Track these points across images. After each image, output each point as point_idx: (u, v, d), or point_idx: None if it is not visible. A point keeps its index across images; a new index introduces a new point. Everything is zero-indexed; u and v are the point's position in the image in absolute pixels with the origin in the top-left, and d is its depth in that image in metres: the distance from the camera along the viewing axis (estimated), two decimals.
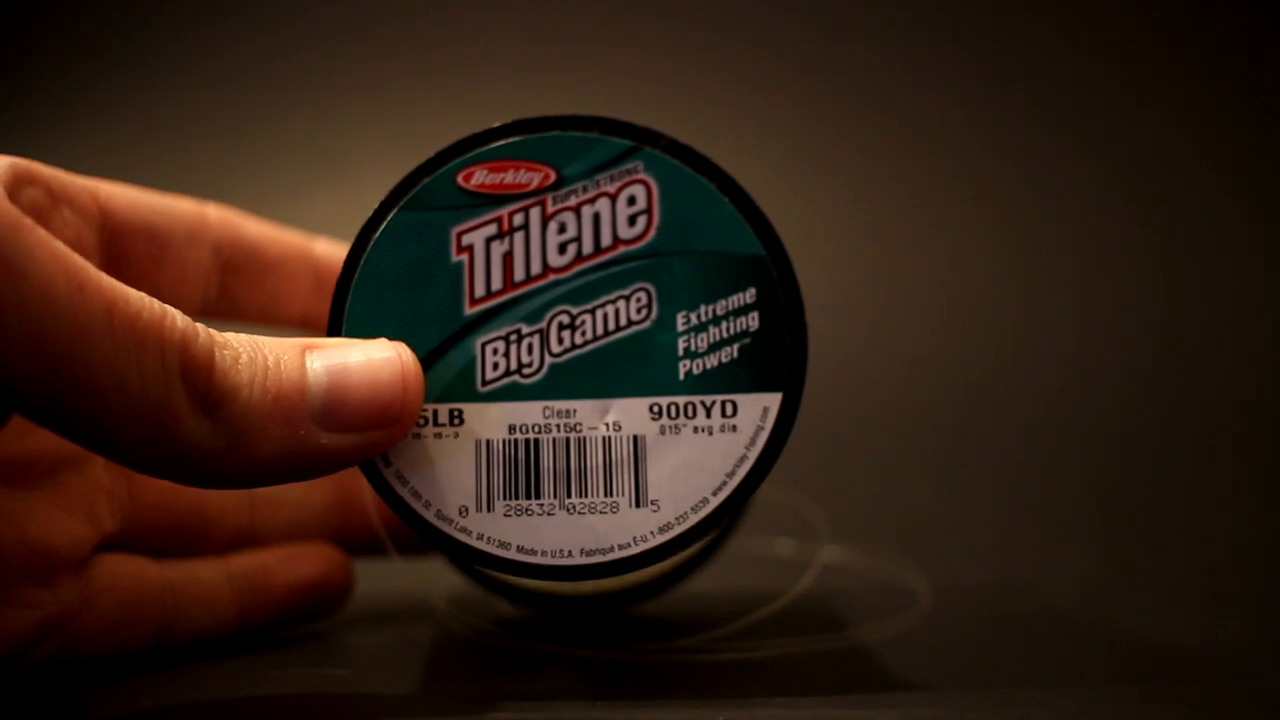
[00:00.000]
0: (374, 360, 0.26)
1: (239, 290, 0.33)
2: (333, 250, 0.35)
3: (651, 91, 0.73)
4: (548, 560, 0.27)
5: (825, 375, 0.64)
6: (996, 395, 0.63)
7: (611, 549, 0.27)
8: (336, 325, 0.27)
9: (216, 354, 0.24)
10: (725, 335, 0.28)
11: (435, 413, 0.27)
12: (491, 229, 0.28)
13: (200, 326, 0.25)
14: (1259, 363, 0.63)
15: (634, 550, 0.27)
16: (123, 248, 0.30)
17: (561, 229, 0.28)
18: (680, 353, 0.28)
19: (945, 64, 0.73)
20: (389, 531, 0.36)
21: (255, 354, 0.25)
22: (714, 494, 0.27)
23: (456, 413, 0.27)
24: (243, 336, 0.25)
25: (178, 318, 0.24)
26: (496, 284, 0.28)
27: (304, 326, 0.35)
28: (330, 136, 0.73)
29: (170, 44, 0.76)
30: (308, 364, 0.25)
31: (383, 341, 0.27)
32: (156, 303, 0.24)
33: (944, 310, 0.69)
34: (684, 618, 0.37)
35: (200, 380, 0.24)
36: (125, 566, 0.30)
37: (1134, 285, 0.68)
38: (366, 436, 0.26)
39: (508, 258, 0.28)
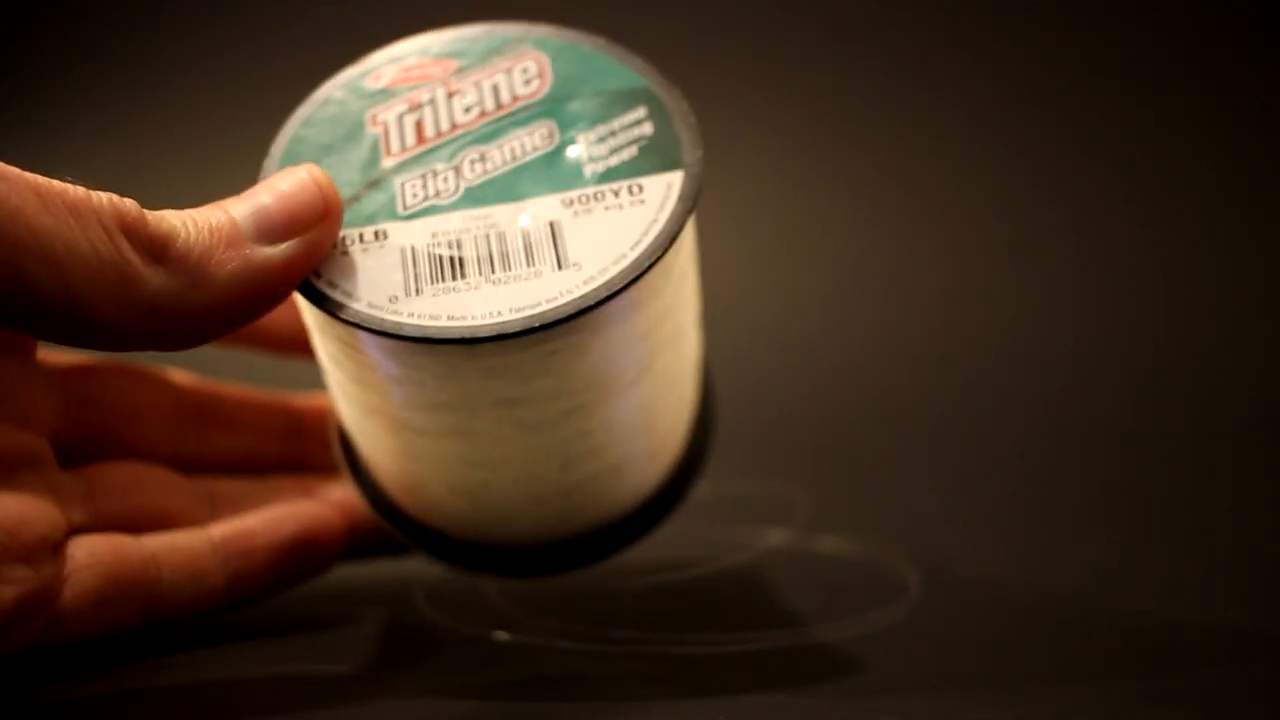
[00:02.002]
0: (284, 177, 0.29)
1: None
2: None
3: None
4: (479, 321, 0.28)
5: (825, 368, 0.65)
6: (994, 387, 0.63)
7: (539, 303, 0.28)
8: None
9: (147, 213, 0.27)
10: (624, 141, 0.30)
11: (360, 234, 0.29)
12: (402, 106, 0.31)
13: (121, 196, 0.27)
14: (1259, 358, 0.64)
15: (561, 302, 0.28)
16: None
17: (465, 97, 0.31)
18: (585, 160, 0.30)
19: (944, 62, 0.73)
20: (362, 533, 0.36)
21: (179, 211, 0.28)
22: (631, 249, 0.28)
23: (381, 232, 0.29)
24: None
25: (100, 192, 0.26)
26: (410, 141, 0.30)
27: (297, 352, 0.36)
28: None
29: (167, 46, 0.77)
30: (231, 206, 0.28)
31: (287, 168, 0.29)
32: (74, 182, 0.26)
33: (944, 303, 0.69)
34: (672, 609, 0.37)
35: (140, 232, 0.26)
36: (103, 544, 0.30)
37: (1135, 277, 0.68)
38: (303, 239, 0.28)
39: (419, 124, 0.31)
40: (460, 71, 0.31)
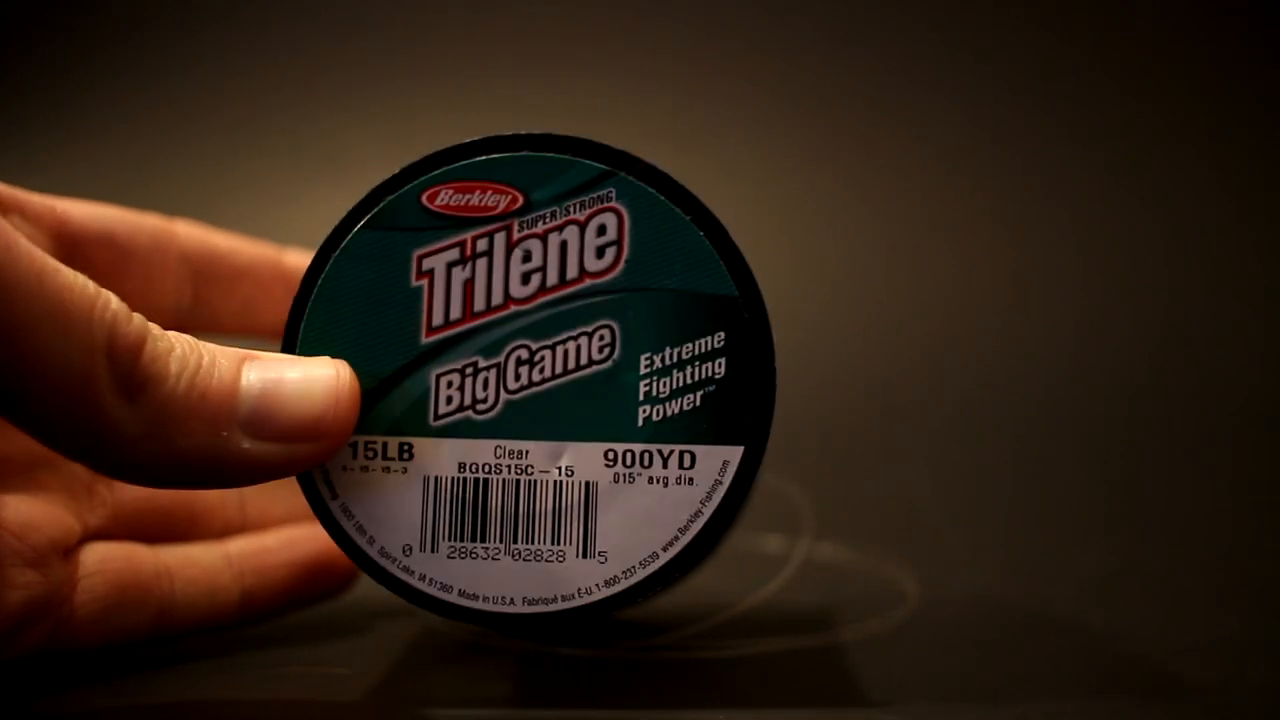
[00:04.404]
0: (310, 376, 0.26)
1: (212, 298, 0.33)
2: (302, 260, 0.34)
3: (631, 109, 0.73)
4: (489, 607, 0.27)
5: (824, 370, 0.65)
6: (994, 391, 0.63)
7: (555, 599, 0.26)
8: (291, 344, 0.27)
9: (149, 342, 0.24)
10: (689, 381, 0.27)
11: (385, 445, 0.27)
12: (454, 254, 0.27)
13: (137, 315, 0.24)
14: (1260, 361, 0.63)
15: (577, 603, 0.26)
16: (84, 254, 0.30)
17: (526, 257, 0.27)
18: (641, 397, 0.27)
19: (940, 61, 0.73)
20: None
21: (190, 351, 0.25)
22: (664, 549, 0.26)
23: (406, 447, 0.27)
24: (185, 336, 0.25)
25: (112, 300, 0.24)
26: (455, 313, 0.27)
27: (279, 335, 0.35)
28: (321, 140, 0.73)
29: (164, 48, 0.76)
30: (243, 373, 0.25)
31: (324, 359, 0.26)
32: (93, 284, 0.24)
33: (942, 308, 0.68)
34: (667, 614, 0.37)
35: (126, 362, 0.24)
36: (116, 551, 0.30)
37: (1134, 284, 0.68)
38: (292, 449, 0.25)
39: (468, 285, 0.27)
40: (526, 211, 0.27)
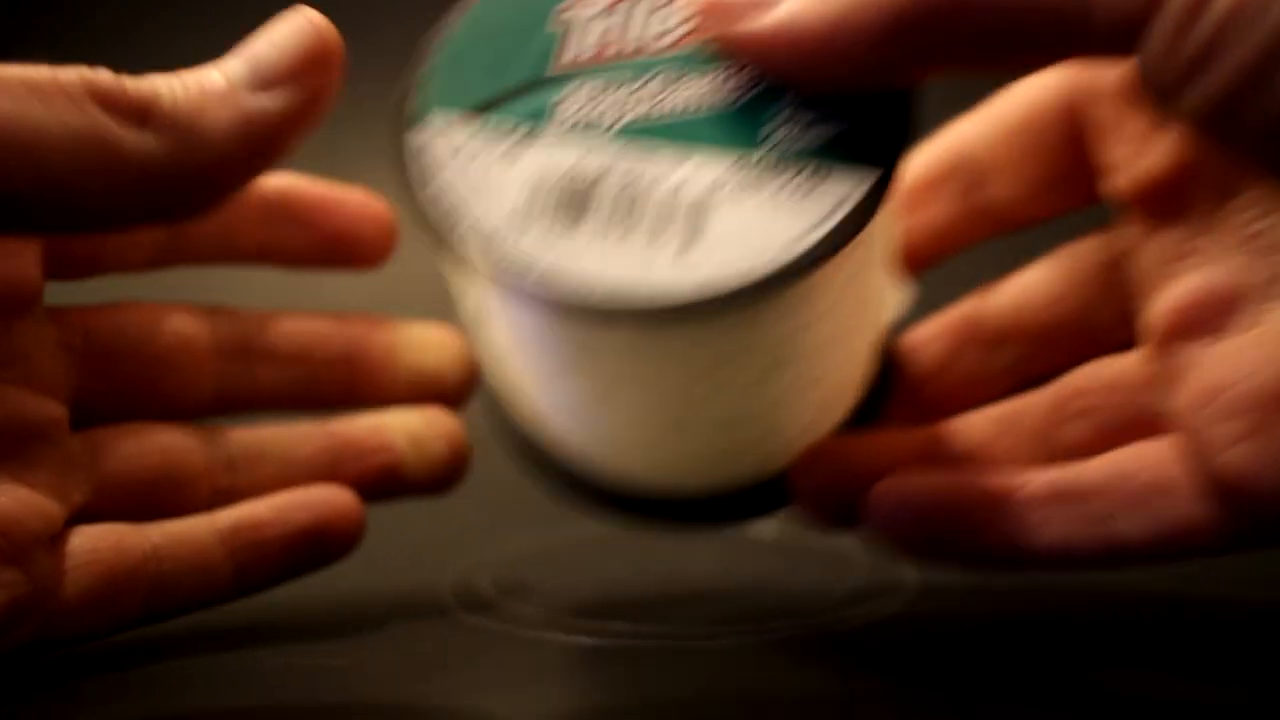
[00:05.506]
0: (281, 23, 0.27)
1: (186, 225, 0.33)
2: (281, 180, 0.35)
3: None
4: (572, 288, 0.25)
5: None
6: None
7: (643, 294, 0.25)
8: (424, 61, 0.27)
9: (125, 79, 0.25)
10: (823, 116, 0.26)
11: (492, 139, 0.26)
12: (594, 8, 0.28)
13: (103, 69, 0.25)
14: None
15: (664, 304, 0.25)
16: None
17: (667, 15, 0.27)
18: (769, 129, 0.26)
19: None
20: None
21: (165, 75, 0.26)
22: (767, 259, 0.25)
23: (518, 141, 0.27)
24: None
25: (67, 67, 0.25)
26: (588, 52, 0.27)
27: (263, 259, 0.35)
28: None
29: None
30: (222, 61, 0.27)
31: (283, 17, 0.27)
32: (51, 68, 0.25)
33: (944, 298, 0.68)
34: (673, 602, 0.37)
35: (117, 100, 0.25)
36: (103, 537, 0.29)
37: None
38: (302, 85, 0.26)
39: (605, 34, 0.27)
40: None
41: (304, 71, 0.26)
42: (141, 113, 0.25)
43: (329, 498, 0.33)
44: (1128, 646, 0.33)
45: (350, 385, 0.35)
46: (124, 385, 0.32)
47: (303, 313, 0.35)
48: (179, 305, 0.33)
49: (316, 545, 0.32)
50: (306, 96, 0.26)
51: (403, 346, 0.36)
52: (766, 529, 0.38)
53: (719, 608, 0.36)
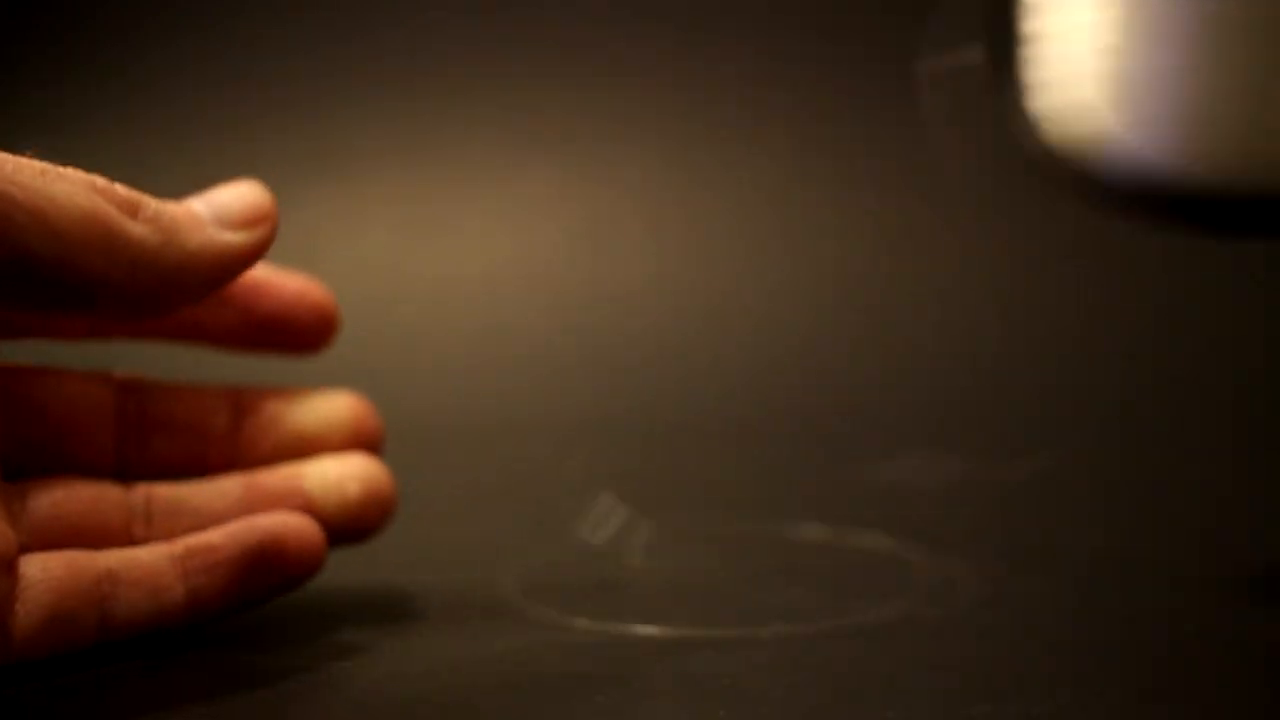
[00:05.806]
0: (235, 185, 0.31)
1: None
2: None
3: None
4: None
5: (823, 361, 0.65)
6: (992, 378, 0.63)
7: None
8: None
9: (115, 183, 0.29)
10: None
11: None
12: None
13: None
14: (1260, 351, 0.63)
15: None
16: None
17: None
18: None
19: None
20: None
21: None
22: None
23: None
24: None
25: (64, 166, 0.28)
26: None
27: (196, 338, 0.36)
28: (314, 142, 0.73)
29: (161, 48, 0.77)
30: (186, 203, 0.30)
31: (232, 183, 0.31)
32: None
33: (943, 294, 0.69)
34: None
35: (112, 193, 0.28)
36: (54, 558, 0.30)
37: (1135, 269, 0.68)
38: (255, 233, 0.31)
39: None
40: None
41: (260, 220, 0.31)
42: (133, 208, 0.28)
43: (284, 520, 0.33)
44: (1130, 655, 0.33)
45: (234, 456, 0.35)
46: (34, 446, 0.32)
47: (196, 386, 0.35)
48: (87, 372, 0.34)
49: (271, 565, 0.32)
50: (256, 242, 0.31)
51: (287, 413, 0.35)
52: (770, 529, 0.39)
53: (715, 605, 0.36)
